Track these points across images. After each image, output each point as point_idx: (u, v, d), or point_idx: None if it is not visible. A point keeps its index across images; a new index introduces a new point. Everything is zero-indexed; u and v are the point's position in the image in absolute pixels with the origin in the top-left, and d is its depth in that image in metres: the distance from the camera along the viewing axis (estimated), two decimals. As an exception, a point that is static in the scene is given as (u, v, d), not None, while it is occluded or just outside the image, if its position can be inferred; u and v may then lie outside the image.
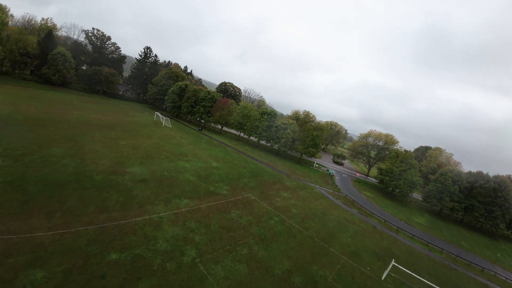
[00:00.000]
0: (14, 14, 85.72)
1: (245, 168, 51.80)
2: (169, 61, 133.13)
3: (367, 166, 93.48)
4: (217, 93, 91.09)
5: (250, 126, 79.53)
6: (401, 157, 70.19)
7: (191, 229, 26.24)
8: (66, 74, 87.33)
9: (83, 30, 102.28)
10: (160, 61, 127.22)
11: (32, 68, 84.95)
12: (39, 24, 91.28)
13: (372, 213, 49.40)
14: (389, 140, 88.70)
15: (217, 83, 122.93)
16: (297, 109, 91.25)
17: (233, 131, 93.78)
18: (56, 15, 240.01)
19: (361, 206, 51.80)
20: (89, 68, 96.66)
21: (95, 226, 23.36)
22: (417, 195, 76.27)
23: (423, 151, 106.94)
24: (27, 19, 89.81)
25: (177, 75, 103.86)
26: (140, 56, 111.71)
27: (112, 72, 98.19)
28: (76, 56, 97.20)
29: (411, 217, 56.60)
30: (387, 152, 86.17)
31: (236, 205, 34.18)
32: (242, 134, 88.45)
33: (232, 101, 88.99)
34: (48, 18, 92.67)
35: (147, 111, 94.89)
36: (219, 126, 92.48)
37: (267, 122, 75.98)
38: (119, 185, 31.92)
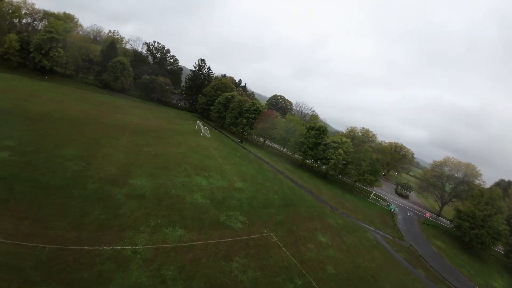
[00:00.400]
0: (84, 25, 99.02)
1: (277, 194, 41.78)
2: (224, 74, 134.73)
3: (439, 203, 71.34)
4: (263, 105, 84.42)
5: (294, 142, 69.47)
6: (487, 196, 49.83)
7: (163, 280, 17.93)
8: (125, 81, 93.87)
9: (145, 42, 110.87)
10: (216, 74, 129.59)
11: (95, 74, 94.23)
12: (105, 35, 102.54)
13: (444, 277, 33.13)
14: (470, 172, 66.18)
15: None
16: (353, 126, 77.09)
17: (277, 145, 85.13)
18: (134, 33, 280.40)
19: (430, 265, 35.68)
20: (147, 77, 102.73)
21: (55, 246, 18.35)
22: (498, 248, 53.21)
23: (505, 187, 77.16)
24: (95, 29, 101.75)
25: (226, 86, 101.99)
26: (195, 68, 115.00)
27: (166, 81, 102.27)
28: (138, 66, 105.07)
29: (489, 280, 37.55)
30: (466, 188, 64.19)
31: (246, 248, 24.61)
32: (285, 150, 78.79)
33: (277, 113, 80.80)
34: (114, 30, 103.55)
35: (193, 120, 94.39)
36: (262, 139, 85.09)
37: (314, 139, 64.71)
38: (109, 198, 26.30)
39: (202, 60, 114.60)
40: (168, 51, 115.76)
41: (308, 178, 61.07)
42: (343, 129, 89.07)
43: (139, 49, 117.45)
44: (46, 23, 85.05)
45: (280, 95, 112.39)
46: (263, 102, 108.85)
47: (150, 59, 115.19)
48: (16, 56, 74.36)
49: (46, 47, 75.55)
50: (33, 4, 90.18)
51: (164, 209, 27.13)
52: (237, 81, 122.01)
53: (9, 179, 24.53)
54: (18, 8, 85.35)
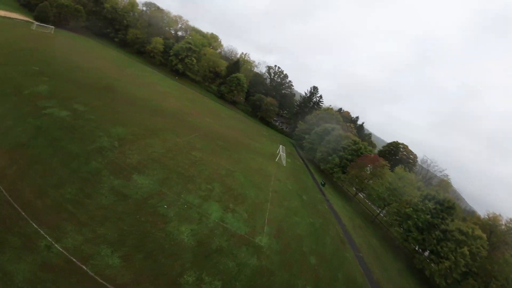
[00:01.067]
0: (224, 45, 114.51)
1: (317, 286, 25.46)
2: (340, 109, 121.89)
3: None
4: (367, 146, 65.52)
5: (395, 210, 47.44)
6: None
7: None
8: (237, 95, 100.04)
9: (267, 66, 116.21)
10: (330, 106, 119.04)
11: (217, 85, 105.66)
12: (238, 55, 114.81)
13: None
14: None
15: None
16: (496, 213, 44.34)
17: (372, 205, 63.10)
18: (275, 62, 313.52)
19: None
20: (256, 95, 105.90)
21: None
22: None
23: None
24: (231, 50, 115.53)
25: (332, 118, 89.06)
26: (305, 94, 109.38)
27: (272, 102, 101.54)
28: (255, 85, 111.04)
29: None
30: None
31: None
32: (382, 214, 56.32)
33: (385, 162, 59.74)
34: (246, 53, 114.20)
35: (282, 143, 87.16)
36: (354, 189, 65.47)
37: (429, 216, 40.93)
38: (94, 185, 21.69)
39: (315, 88, 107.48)
40: (286, 76, 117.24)
41: (397, 274, 38.15)
42: (481, 212, 54.36)
43: (261, 71, 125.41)
44: (189, 35, 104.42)
45: (402, 143, 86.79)
46: (376, 147, 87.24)
47: (268, 81, 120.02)
48: (159, 56, 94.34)
49: (183, 54, 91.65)
50: (187, 21, 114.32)
51: (127, 223, 19.40)
52: (353, 117, 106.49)
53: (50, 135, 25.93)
54: (174, 22, 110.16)
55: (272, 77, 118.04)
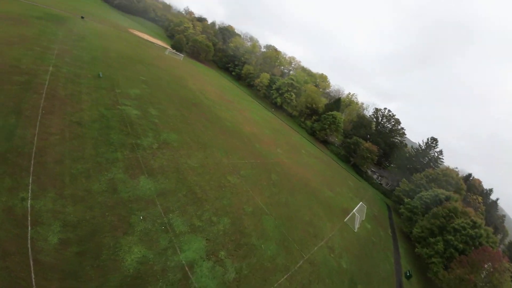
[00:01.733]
0: (332, 84, 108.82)
1: None
2: (469, 174, 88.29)
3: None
4: (492, 234, 40.54)
5: None
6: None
7: None
8: (329, 134, 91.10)
9: (376, 108, 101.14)
10: (454, 168, 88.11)
11: (312, 122, 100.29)
12: (344, 95, 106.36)
13: None
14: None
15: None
16: None
17: None
18: (395, 110, 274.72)
19: None
20: (354, 138, 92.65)
21: None
22: None
23: None
24: (337, 88, 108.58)
25: (450, 183, 63.65)
26: (420, 146, 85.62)
27: (371, 149, 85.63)
28: (356, 127, 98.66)
29: None
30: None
31: None
32: None
33: (510, 265, 34.22)
34: (353, 93, 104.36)
35: (367, 201, 69.20)
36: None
37: None
38: (102, 170, 22.17)
39: (433, 140, 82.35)
40: (398, 122, 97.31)
41: None
42: None
43: (368, 113, 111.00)
44: (293, 73, 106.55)
45: None
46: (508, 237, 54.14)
47: (374, 125, 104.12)
48: (263, 89, 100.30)
49: (284, 89, 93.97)
50: (299, 61, 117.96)
51: (93, 214, 17.47)
52: (485, 189, 73.19)
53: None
54: (287, 62, 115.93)
55: (379, 120, 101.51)
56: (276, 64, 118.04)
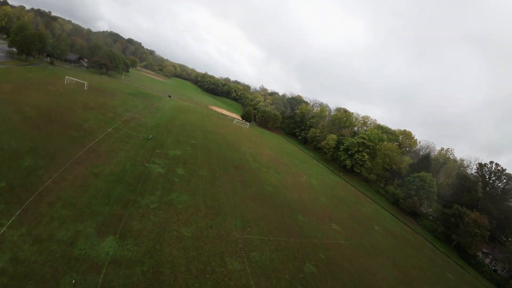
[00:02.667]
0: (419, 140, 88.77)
1: None
2: None
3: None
4: None
5: None
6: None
7: None
8: (417, 202, 68.61)
9: (479, 163, 73.46)
10: None
11: (394, 186, 79.49)
12: (436, 153, 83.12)
13: None
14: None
15: None
16: None
17: None
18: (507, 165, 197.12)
19: None
20: (455, 207, 65.64)
21: None
22: None
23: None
24: (425, 145, 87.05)
25: None
26: None
27: (480, 221, 58.27)
28: (459, 191, 72.52)
29: None
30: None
31: None
32: None
33: None
34: (447, 149, 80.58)
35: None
36: None
37: None
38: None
39: None
40: (510, 177, 65.83)
41: None
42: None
43: (470, 171, 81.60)
44: (364, 130, 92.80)
45: None
46: None
47: (480, 186, 74.22)
48: (330, 152, 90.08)
49: (354, 149, 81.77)
50: (375, 120, 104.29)
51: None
52: None
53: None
54: (361, 123, 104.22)
55: (486, 179, 71.60)
56: (346, 124, 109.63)
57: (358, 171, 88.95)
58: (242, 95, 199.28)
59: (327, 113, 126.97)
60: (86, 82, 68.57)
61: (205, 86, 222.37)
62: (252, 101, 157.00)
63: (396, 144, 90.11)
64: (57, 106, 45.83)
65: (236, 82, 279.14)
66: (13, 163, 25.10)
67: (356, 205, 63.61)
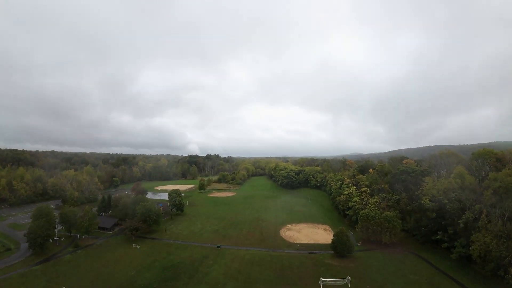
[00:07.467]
0: None
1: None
2: None
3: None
4: None
5: None
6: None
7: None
8: None
9: None
10: None
11: None
12: None
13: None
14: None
15: None
16: None
17: None
18: None
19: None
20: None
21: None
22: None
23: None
24: None
25: None
26: None
27: None
28: None
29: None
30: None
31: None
32: None
33: None
34: None
35: None
36: None
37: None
38: None
39: None
40: None
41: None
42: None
43: None
44: None
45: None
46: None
47: None
48: None
49: None
50: None
51: None
52: None
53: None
54: None
55: None
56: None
57: None
58: (324, 181, 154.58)
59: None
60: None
61: (279, 182, 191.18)
62: (339, 189, 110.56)
63: None
64: None
65: (313, 161, 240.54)
66: None
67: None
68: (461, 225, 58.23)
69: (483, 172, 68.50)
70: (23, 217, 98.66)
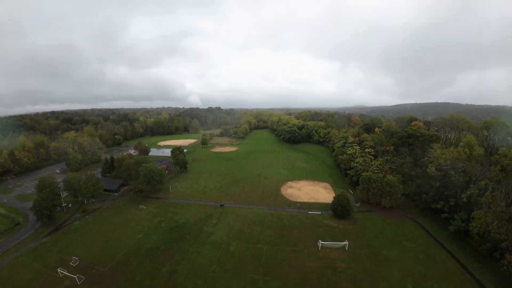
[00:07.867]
0: None
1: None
2: None
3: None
4: None
5: None
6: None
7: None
8: None
9: None
10: None
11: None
12: None
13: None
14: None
15: None
16: None
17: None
18: None
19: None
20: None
21: None
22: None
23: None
24: None
25: None
26: None
27: None
28: None
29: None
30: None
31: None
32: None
33: None
34: None
35: None
36: None
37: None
38: None
39: None
40: None
41: None
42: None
43: None
44: None
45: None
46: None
47: None
48: None
49: None
50: None
51: None
52: None
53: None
54: None
55: None
56: None
57: None
58: (327, 137, 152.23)
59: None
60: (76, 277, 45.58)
61: (282, 137, 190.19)
62: (342, 148, 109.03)
63: None
64: None
65: (316, 115, 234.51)
66: None
67: None
68: (464, 199, 57.47)
69: (493, 144, 65.04)
70: (30, 185, 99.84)
